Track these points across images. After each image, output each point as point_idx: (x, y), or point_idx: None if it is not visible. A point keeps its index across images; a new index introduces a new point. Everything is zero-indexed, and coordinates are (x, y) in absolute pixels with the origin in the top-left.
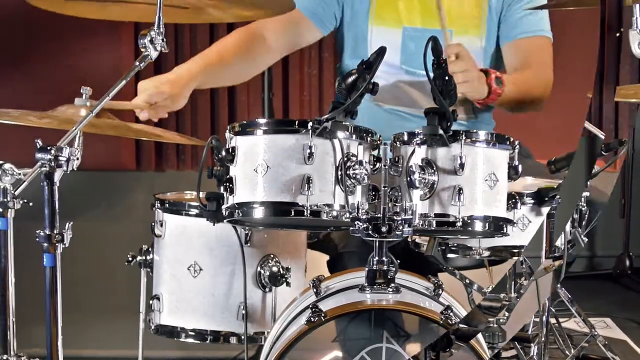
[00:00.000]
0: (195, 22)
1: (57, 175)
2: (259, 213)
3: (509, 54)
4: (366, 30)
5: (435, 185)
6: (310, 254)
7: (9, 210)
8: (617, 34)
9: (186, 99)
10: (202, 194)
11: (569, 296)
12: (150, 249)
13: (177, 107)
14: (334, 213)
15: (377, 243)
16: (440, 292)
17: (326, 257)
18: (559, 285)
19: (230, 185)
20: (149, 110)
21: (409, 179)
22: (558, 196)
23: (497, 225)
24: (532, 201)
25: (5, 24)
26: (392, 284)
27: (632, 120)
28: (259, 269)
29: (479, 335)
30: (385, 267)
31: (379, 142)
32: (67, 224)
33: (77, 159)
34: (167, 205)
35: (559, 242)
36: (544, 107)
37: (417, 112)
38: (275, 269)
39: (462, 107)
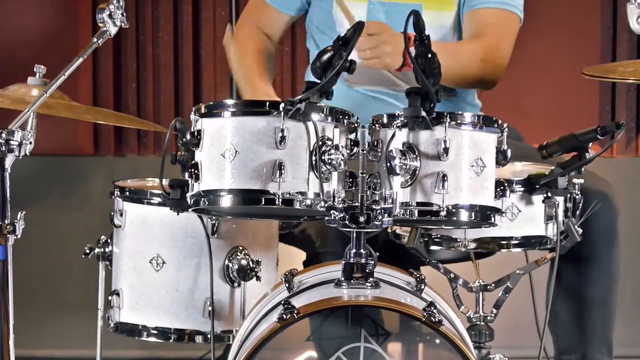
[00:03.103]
0: None
1: (9, 160)
2: (226, 201)
3: (467, 22)
4: (331, 5)
5: (417, 172)
6: (282, 245)
7: None
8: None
9: None
10: (165, 181)
11: None
12: (109, 241)
13: None
14: (308, 202)
15: (354, 234)
16: (422, 287)
17: (299, 250)
18: None
19: (196, 172)
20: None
21: (388, 164)
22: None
23: (484, 215)
24: (522, 189)
25: None
26: (371, 279)
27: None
28: (226, 262)
29: (465, 334)
30: (363, 260)
31: (356, 125)
32: (19, 213)
33: (30, 142)
34: (127, 193)
35: (551, 233)
36: (538, 90)
37: (397, 93)
38: (244, 262)
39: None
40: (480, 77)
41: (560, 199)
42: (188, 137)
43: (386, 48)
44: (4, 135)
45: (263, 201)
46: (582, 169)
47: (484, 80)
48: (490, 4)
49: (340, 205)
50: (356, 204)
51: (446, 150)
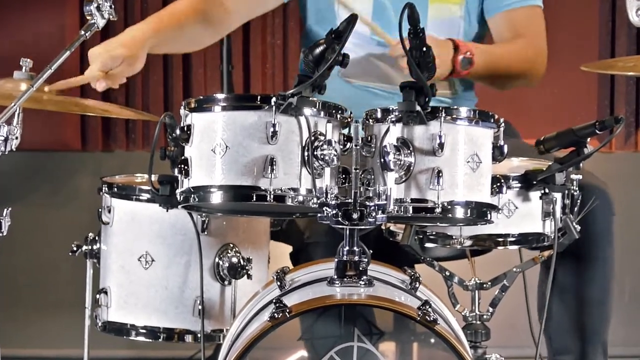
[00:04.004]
0: None
1: None
2: (217, 198)
3: (499, 25)
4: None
5: (411, 168)
6: (273, 242)
7: None
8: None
9: (143, 61)
10: (154, 177)
11: None
12: (96, 238)
13: (135, 70)
14: (300, 198)
15: (347, 231)
16: (417, 285)
17: (290, 248)
18: None
19: (185, 167)
20: (106, 79)
21: (382, 160)
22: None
23: (480, 212)
24: (519, 185)
25: None
26: (364, 277)
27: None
28: (217, 259)
29: (461, 334)
30: (356, 258)
31: (349, 120)
32: (5, 210)
33: (16, 138)
34: (115, 189)
35: (549, 230)
36: (536, 87)
37: (391, 89)
38: (235, 259)
39: (441, 81)
40: (525, 76)
41: (558, 196)
42: (177, 132)
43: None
44: None
45: (254, 197)
46: (580, 165)
47: (529, 78)
48: (518, 3)
49: (333, 202)
50: (349, 200)
51: (441, 145)
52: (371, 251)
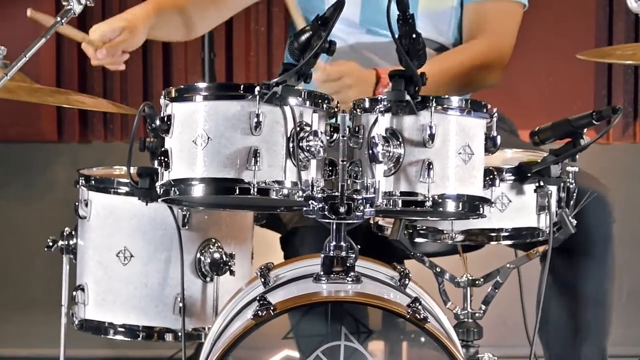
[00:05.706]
0: None
1: None
2: (198, 191)
3: (468, 15)
4: None
5: (401, 159)
6: (258, 236)
7: None
8: None
9: (144, 37)
10: (133, 169)
11: None
12: (73, 233)
13: (135, 43)
14: (285, 191)
15: (334, 225)
16: (406, 282)
17: (276, 238)
18: None
19: (166, 159)
20: (107, 47)
21: (371, 152)
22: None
23: (472, 205)
24: (513, 177)
25: None
26: (352, 273)
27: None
28: (198, 255)
29: (452, 332)
30: (343, 254)
31: (336, 110)
32: None
33: None
34: (92, 182)
35: (544, 224)
36: (530, 73)
37: None
38: (217, 255)
39: None
40: (480, 83)
41: (553, 189)
42: (157, 122)
43: (350, 92)
44: None
45: (237, 191)
46: (577, 159)
47: (486, 84)
48: None
49: (319, 195)
50: (336, 193)
51: (432, 136)
52: (359, 246)
